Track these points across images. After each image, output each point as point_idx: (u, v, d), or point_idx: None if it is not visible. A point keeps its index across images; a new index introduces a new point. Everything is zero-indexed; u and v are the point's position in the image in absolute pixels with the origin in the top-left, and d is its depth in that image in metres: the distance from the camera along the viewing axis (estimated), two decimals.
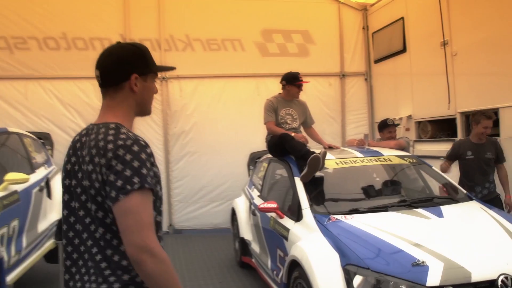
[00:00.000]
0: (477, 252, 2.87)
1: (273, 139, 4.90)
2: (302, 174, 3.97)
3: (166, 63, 7.71)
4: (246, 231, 5.27)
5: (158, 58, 7.75)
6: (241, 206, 5.59)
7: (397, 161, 4.40)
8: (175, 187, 7.81)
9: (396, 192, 4.08)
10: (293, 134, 4.72)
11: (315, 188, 3.96)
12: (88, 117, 7.44)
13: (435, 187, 4.48)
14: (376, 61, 8.59)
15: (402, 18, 7.62)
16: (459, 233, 3.17)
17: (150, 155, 1.56)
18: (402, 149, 5.03)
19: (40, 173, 5.11)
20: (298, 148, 4.29)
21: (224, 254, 6.42)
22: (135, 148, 1.51)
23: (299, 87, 5.13)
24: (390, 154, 4.51)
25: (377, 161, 4.29)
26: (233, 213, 5.88)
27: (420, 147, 7.26)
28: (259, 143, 7.70)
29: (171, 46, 7.87)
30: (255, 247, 4.87)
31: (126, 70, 1.67)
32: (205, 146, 7.86)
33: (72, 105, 7.55)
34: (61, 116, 7.52)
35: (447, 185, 4.26)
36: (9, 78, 7.39)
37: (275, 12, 8.30)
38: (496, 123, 5.80)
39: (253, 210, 4.91)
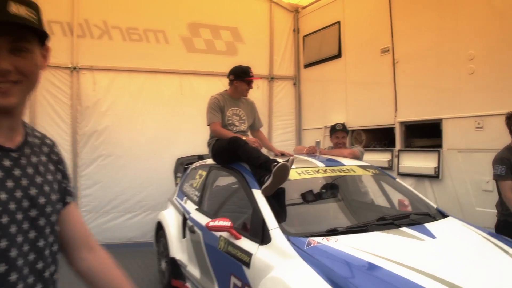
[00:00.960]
0: (487, 277, 2.46)
1: (220, 143, 4.19)
2: (265, 186, 3.34)
3: (78, 51, 6.76)
4: (178, 251, 4.49)
5: (70, 45, 6.72)
6: (171, 221, 4.79)
7: (360, 171, 3.95)
8: (84, 195, 6.73)
9: (370, 208, 3.62)
10: (244, 137, 4.09)
11: (279, 203, 3.35)
12: None
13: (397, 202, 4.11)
14: (306, 66, 8.23)
15: (339, 22, 7.33)
16: (463, 257, 2.74)
17: None
18: (356, 158, 4.62)
19: None
20: (256, 155, 3.65)
21: (144, 274, 5.55)
22: None
23: (249, 83, 4.50)
24: (351, 164, 4.05)
25: (340, 172, 3.81)
26: (159, 228, 5.05)
27: None
28: (185, 147, 7.02)
29: (85, 32, 6.82)
30: (193, 270, 4.12)
31: None
32: (121, 149, 6.91)
33: None
34: None
35: (414, 199, 3.88)
36: None
37: (204, 5, 7.63)
38: (439, 135, 5.66)
39: (191, 226, 4.17)
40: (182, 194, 4.83)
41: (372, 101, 6.63)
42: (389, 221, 3.13)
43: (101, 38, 6.92)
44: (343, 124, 5.29)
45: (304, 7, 8.32)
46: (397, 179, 4.11)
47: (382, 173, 4.14)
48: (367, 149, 6.74)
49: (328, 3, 7.63)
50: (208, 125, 4.51)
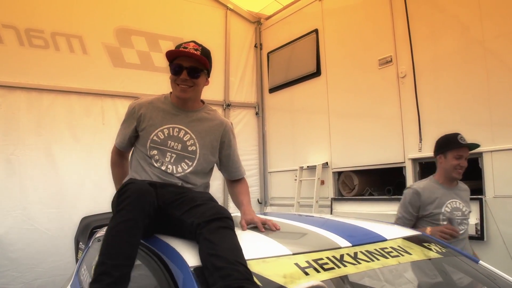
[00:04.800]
0: None
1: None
2: None
3: None
4: None
5: None
6: None
7: (419, 253, 2.02)
8: None
9: None
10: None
11: None
12: None
13: None
14: (272, 90, 6.42)
15: (316, 31, 5.60)
16: None
17: None
18: None
19: None
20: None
21: None
22: None
23: (178, 71, 2.22)
24: (393, 235, 2.13)
25: (385, 257, 1.87)
26: None
27: (340, 208, 5.10)
28: (101, 200, 4.93)
29: None
30: None
31: None
32: (11, 198, 4.69)
33: None
34: None
35: None
36: None
37: (139, 6, 5.74)
38: (476, 176, 3.91)
39: None
40: (78, 285, 2.70)
41: (369, 132, 4.83)
42: None
43: None
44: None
45: (268, 17, 6.60)
46: (481, 262, 2.20)
47: (453, 253, 2.21)
48: (361, 198, 4.92)
49: (300, 8, 5.93)
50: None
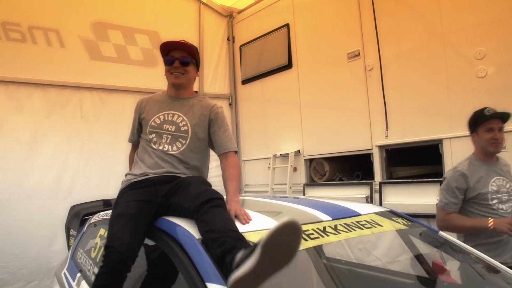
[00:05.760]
0: None
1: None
2: (240, 274, 1.60)
3: None
4: None
5: None
6: None
7: (388, 224, 2.32)
8: None
9: None
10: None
11: None
12: None
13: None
14: (244, 81, 6.65)
15: (287, 25, 5.86)
16: None
17: None
18: None
19: None
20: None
21: None
22: None
23: (170, 63, 2.63)
24: (366, 211, 2.42)
25: (359, 228, 2.15)
26: None
27: (312, 193, 5.41)
28: (86, 190, 5.14)
29: None
30: None
31: None
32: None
33: None
34: None
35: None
36: None
37: (115, 1, 5.85)
38: (435, 160, 4.28)
39: None
40: (75, 267, 2.89)
41: (338, 121, 5.14)
42: None
43: None
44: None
45: (240, 11, 6.80)
46: (441, 233, 2.51)
47: (417, 225, 2.51)
48: (331, 183, 5.23)
49: (271, 3, 6.16)
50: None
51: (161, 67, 5.38)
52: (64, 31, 5.42)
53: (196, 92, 2.80)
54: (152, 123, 2.57)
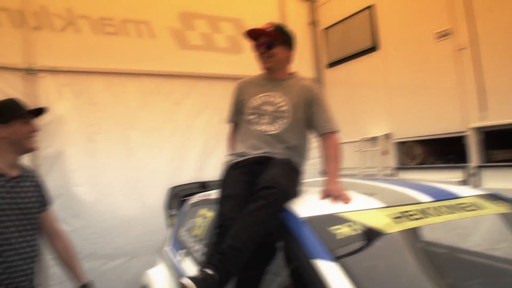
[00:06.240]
0: None
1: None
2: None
3: (35, 48, 5.02)
4: None
5: (21, 39, 4.99)
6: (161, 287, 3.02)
7: (493, 208, 2.23)
8: None
9: None
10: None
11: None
12: None
13: None
14: (330, 65, 6.59)
15: (371, 7, 5.71)
16: None
17: None
18: None
19: None
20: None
21: None
22: None
23: (258, 47, 2.72)
24: (469, 193, 2.34)
25: (462, 210, 2.09)
26: None
27: (403, 177, 5.27)
28: (182, 172, 5.35)
29: (43, 23, 5.07)
30: None
31: None
32: (94, 177, 5.15)
33: None
34: None
35: None
36: None
37: None
38: None
39: None
40: (178, 244, 3.07)
41: (427, 103, 4.96)
42: None
43: (64, 31, 5.19)
44: None
45: None
46: None
47: None
48: (424, 167, 5.07)
49: None
50: None
51: (246, 53, 5.57)
52: (154, 23, 5.66)
53: (293, 73, 2.83)
54: (251, 104, 2.67)
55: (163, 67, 5.64)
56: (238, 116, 2.80)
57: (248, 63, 5.37)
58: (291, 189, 2.26)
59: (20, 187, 2.34)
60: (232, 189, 2.33)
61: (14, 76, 4.92)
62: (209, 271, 1.90)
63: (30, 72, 4.99)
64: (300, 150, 2.67)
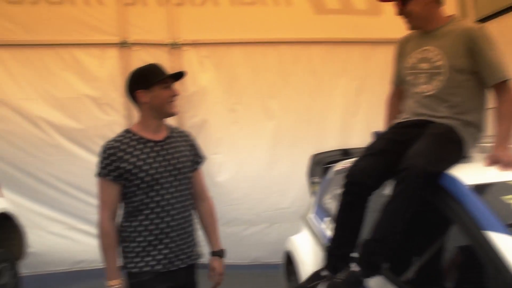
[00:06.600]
0: None
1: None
2: None
3: (177, 23, 5.34)
4: None
5: (166, 16, 5.28)
6: (306, 254, 3.02)
7: None
8: None
9: None
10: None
11: None
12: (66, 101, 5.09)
13: None
14: (481, 20, 5.91)
15: None
16: None
17: (111, 154, 2.19)
18: None
19: None
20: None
21: None
22: (101, 149, 2.24)
23: None
24: None
25: None
26: (289, 262, 3.32)
27: None
28: (324, 139, 5.21)
29: None
30: None
31: (133, 90, 2.27)
32: (237, 144, 5.36)
33: (41, 84, 5.11)
34: (27, 101, 5.09)
35: None
36: None
37: None
38: None
39: None
40: (322, 212, 3.03)
41: None
42: None
43: (204, 5, 5.36)
44: None
45: None
46: None
47: None
48: None
49: None
50: None
51: (386, 15, 5.23)
52: None
53: (450, 16, 2.42)
54: (407, 64, 2.43)
55: (300, 34, 5.53)
56: (400, 78, 2.54)
57: (389, 26, 5.06)
58: (436, 167, 1.98)
59: (172, 147, 2.32)
60: (374, 143, 2.24)
61: (161, 51, 5.27)
62: (353, 268, 1.97)
63: (174, 46, 5.29)
64: (468, 107, 2.26)
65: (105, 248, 2.21)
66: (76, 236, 5.03)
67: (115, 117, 5.06)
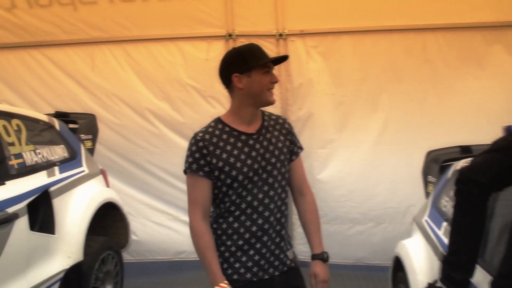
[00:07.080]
0: None
1: None
2: None
3: (283, 13, 5.18)
4: None
5: (273, 7, 5.16)
6: (418, 261, 2.70)
7: None
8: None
9: None
10: None
11: None
12: (173, 94, 5.20)
13: None
14: None
15: None
16: None
17: (202, 147, 1.96)
18: None
19: (26, 183, 2.85)
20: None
21: None
22: (191, 141, 2.02)
23: None
24: None
25: None
26: (397, 268, 3.02)
27: None
28: (441, 136, 4.65)
29: None
30: None
31: (228, 72, 2.01)
32: (346, 136, 5.11)
33: (150, 78, 5.27)
34: (136, 94, 5.29)
35: None
36: (74, 43, 5.35)
37: None
38: None
39: None
40: (439, 215, 2.69)
41: None
42: None
43: None
44: None
45: None
46: None
47: None
48: None
49: None
50: None
51: None
52: None
53: None
54: None
55: (413, 21, 5.05)
56: None
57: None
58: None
59: (266, 139, 2.04)
60: (500, 141, 1.94)
61: (267, 42, 5.14)
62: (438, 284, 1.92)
63: (281, 37, 5.16)
64: None
65: (202, 250, 1.97)
66: (179, 227, 5.11)
67: (219, 109, 5.05)
